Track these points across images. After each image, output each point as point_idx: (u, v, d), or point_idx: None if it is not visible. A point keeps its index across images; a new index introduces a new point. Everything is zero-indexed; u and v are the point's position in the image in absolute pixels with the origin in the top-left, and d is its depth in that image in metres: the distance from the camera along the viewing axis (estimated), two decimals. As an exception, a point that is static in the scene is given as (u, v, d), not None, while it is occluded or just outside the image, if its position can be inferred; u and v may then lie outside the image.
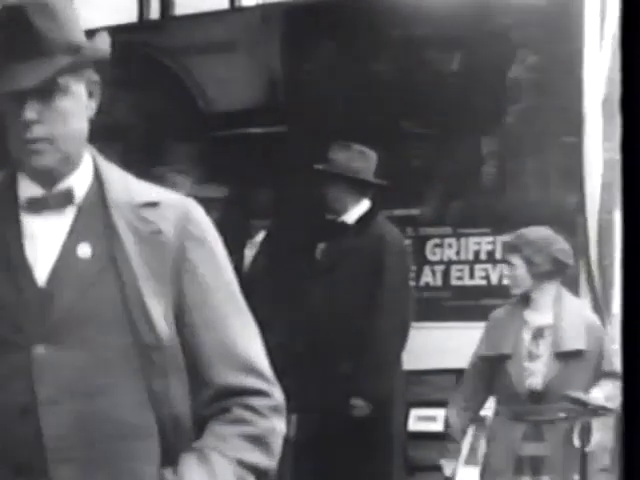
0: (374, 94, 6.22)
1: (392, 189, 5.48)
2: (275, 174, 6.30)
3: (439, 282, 6.11)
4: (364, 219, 5.17)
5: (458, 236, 6.07)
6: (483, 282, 5.97)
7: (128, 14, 7.17)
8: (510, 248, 4.88)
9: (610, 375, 4.61)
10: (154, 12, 7.18)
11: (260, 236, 6.23)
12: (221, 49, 6.71)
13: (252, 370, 2.00)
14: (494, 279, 5.95)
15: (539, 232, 4.80)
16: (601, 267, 5.40)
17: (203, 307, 1.99)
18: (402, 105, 6.18)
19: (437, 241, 6.13)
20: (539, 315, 4.73)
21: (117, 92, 7.01)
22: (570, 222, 5.61)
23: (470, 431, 5.68)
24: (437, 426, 5.73)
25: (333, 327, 5.10)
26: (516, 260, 4.77)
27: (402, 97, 6.18)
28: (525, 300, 4.79)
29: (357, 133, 5.93)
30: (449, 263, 6.09)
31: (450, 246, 6.09)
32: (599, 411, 4.59)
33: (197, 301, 1.99)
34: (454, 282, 6.07)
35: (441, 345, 5.80)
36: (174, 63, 6.88)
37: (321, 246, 6.41)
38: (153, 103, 6.84)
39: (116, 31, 7.06)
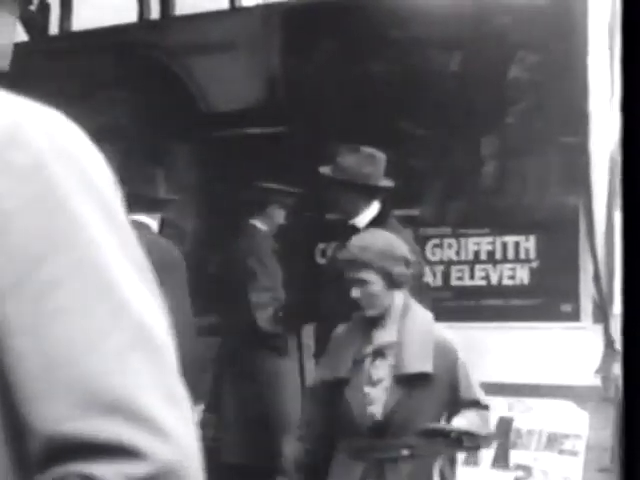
0: (374, 94, 6.22)
1: (392, 189, 5.47)
2: (275, 174, 6.29)
3: (439, 282, 6.11)
4: (375, 222, 5.13)
5: (458, 236, 6.07)
6: (483, 282, 5.97)
7: (128, 14, 7.17)
8: (359, 265, 4.00)
9: (472, 404, 3.96)
10: (154, 12, 7.18)
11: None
12: (221, 49, 6.70)
13: (108, 407, 1.08)
14: (494, 279, 5.95)
15: (380, 238, 4.09)
16: (608, 267, 5.40)
17: (19, 299, 1.10)
18: (402, 105, 6.18)
19: (437, 241, 6.14)
20: (383, 331, 3.99)
21: (117, 92, 7.02)
22: (570, 222, 5.62)
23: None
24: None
25: None
26: (370, 276, 3.98)
27: (402, 97, 6.18)
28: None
29: (357, 133, 5.93)
30: (449, 263, 6.10)
31: (450, 246, 6.09)
32: (464, 440, 3.80)
33: (6, 289, 1.10)
34: (454, 282, 6.07)
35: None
36: (174, 63, 6.88)
37: (321, 247, 6.41)
38: (153, 103, 6.84)
39: (116, 31, 7.13)
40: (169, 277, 5.01)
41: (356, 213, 5.14)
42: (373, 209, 5.15)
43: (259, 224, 6.06)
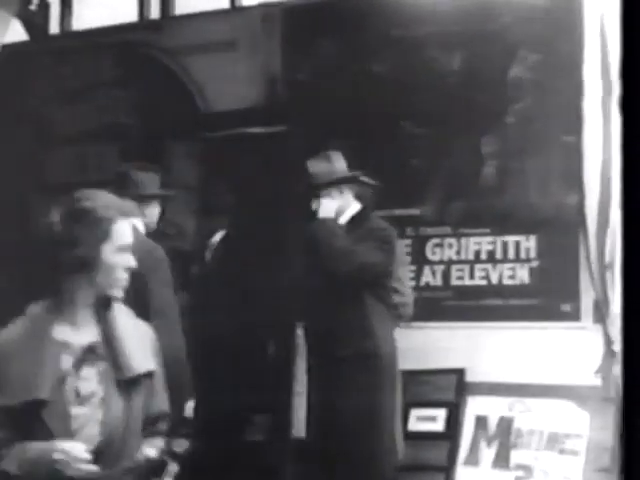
0: (374, 93, 6.22)
1: (392, 189, 5.48)
2: (274, 174, 6.29)
3: (439, 282, 6.11)
4: (357, 218, 5.20)
5: (458, 236, 6.07)
6: (483, 282, 5.97)
7: (128, 14, 7.17)
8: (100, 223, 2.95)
9: (155, 423, 3.16)
10: (154, 12, 7.19)
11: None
12: (221, 49, 6.71)
13: None
14: (494, 279, 5.95)
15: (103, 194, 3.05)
16: (601, 267, 5.40)
17: None
18: (402, 105, 6.18)
19: (437, 241, 6.14)
20: (77, 331, 2.99)
21: (117, 91, 7.02)
22: (571, 222, 5.61)
23: (470, 432, 5.69)
24: (437, 426, 5.74)
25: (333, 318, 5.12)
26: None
27: (402, 97, 6.18)
28: (56, 307, 3.00)
29: (357, 133, 5.93)
30: (449, 263, 6.09)
31: (450, 246, 6.09)
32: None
33: None
34: (454, 282, 6.07)
35: (441, 345, 5.80)
36: (174, 63, 6.88)
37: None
38: (153, 103, 6.84)
39: (116, 31, 7.13)
40: (154, 277, 5.03)
41: (339, 212, 5.21)
42: (354, 208, 5.20)
43: None
